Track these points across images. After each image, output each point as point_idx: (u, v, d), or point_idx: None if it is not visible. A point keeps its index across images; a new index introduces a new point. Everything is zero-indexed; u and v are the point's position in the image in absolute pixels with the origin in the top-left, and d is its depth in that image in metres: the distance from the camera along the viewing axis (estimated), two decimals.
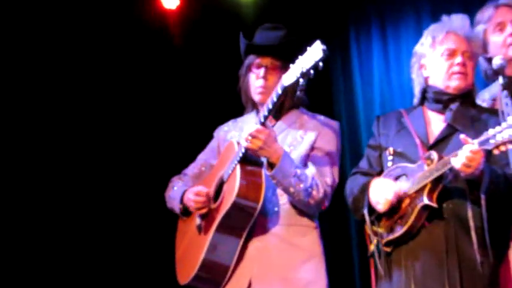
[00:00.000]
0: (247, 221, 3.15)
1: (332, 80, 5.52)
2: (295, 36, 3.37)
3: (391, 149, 3.17)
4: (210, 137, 3.67)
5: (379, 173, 3.21)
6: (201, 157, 3.63)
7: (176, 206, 3.48)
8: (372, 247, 3.09)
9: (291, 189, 3.14)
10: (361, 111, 5.35)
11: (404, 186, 3.01)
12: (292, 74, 2.88)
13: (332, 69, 5.53)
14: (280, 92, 2.98)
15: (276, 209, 3.25)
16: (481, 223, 2.86)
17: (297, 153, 3.29)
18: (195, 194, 3.31)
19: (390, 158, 3.15)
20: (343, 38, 5.45)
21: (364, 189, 3.11)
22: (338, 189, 3.36)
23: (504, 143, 2.70)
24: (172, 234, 3.62)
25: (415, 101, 3.31)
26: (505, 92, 2.83)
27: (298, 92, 3.14)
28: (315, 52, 2.78)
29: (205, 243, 3.20)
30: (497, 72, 2.94)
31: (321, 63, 2.77)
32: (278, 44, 3.34)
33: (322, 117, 3.44)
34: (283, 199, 3.26)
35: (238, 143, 3.23)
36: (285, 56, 3.29)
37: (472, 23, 3.39)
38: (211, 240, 3.18)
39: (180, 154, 4.08)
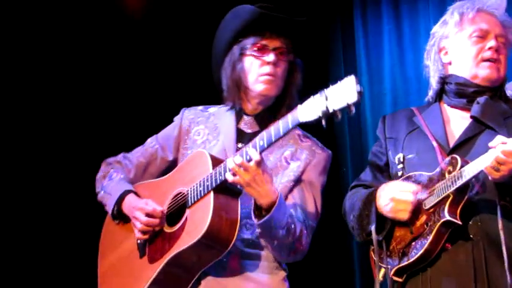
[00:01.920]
0: (210, 260, 3.14)
1: (330, 70, 5.53)
2: (306, 18, 3.40)
3: (400, 156, 3.18)
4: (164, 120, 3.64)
5: None
6: (152, 143, 3.58)
7: (110, 205, 3.45)
8: (380, 277, 3.08)
9: (275, 242, 3.15)
10: (367, 110, 5.37)
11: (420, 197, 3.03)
12: (312, 109, 2.78)
13: (331, 57, 5.54)
14: (291, 126, 2.89)
15: (242, 239, 3.24)
16: None
17: (277, 181, 3.27)
18: (147, 215, 3.25)
19: (400, 166, 3.16)
20: (346, 16, 5.48)
21: (370, 200, 3.12)
22: (338, 208, 3.36)
23: None
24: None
25: (430, 93, 3.34)
26: None
27: None
28: (347, 90, 2.68)
29: (149, 277, 3.19)
30: None
31: (353, 108, 2.69)
32: (296, 21, 3.35)
33: (314, 141, 3.43)
34: (248, 233, 3.26)
35: (214, 160, 3.16)
36: (295, 41, 3.34)
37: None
38: (158, 274, 3.18)
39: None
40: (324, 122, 2.75)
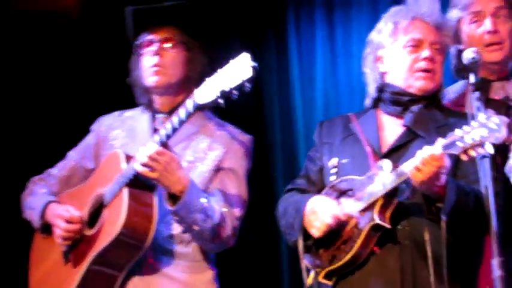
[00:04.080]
0: (131, 257, 3.20)
1: (262, 75, 5.51)
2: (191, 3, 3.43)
3: (334, 160, 3.25)
4: (84, 131, 3.67)
5: (320, 190, 3.27)
6: (73, 156, 3.62)
7: (35, 220, 3.50)
8: (310, 281, 3.15)
9: (195, 228, 3.20)
10: (299, 115, 5.41)
11: (350, 205, 3.09)
12: (209, 90, 2.90)
13: (262, 63, 5.55)
14: (191, 110, 3.00)
15: (163, 236, 3.29)
16: (441, 250, 2.95)
17: (197, 173, 3.34)
18: (66, 221, 3.32)
19: (334, 171, 3.23)
20: (279, 20, 5.50)
21: (299, 209, 3.17)
22: (268, 211, 3.41)
23: (474, 147, 2.77)
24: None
25: (367, 101, 3.40)
26: (477, 94, 2.89)
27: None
28: (241, 68, 2.82)
29: (74, 281, 3.26)
30: (468, 69, 2.98)
31: (248, 84, 2.83)
32: (168, 6, 3.38)
33: (232, 128, 3.49)
34: (176, 228, 3.30)
35: (128, 158, 3.23)
36: (183, 26, 3.37)
37: (444, 6, 3.50)
38: (82, 278, 3.24)
39: (45, 150, 4.18)
40: (222, 101, 2.89)
